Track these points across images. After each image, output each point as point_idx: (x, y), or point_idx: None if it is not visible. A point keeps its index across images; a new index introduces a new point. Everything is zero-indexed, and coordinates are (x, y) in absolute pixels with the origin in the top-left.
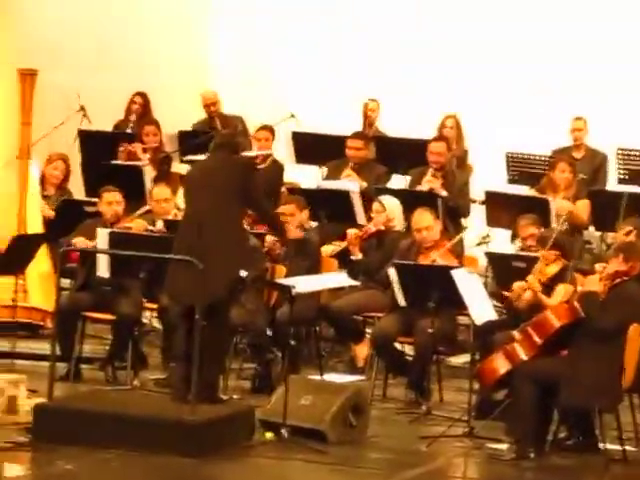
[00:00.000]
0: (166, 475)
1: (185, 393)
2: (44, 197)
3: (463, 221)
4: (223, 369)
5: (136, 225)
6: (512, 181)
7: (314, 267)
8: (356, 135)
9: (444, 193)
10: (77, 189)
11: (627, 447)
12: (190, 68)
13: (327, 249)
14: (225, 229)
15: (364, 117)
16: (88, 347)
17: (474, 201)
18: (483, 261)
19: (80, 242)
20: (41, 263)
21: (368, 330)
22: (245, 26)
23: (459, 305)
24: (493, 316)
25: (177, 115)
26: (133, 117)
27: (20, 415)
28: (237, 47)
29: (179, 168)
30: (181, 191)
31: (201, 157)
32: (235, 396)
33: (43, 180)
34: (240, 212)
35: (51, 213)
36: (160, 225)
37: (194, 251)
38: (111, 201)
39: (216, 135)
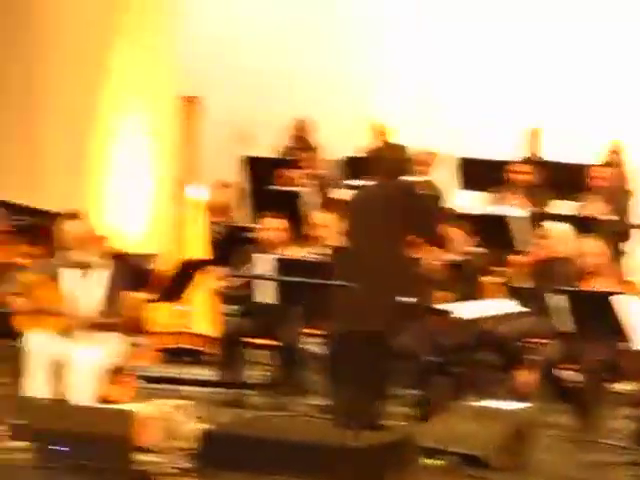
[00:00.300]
0: None
1: (347, 419)
2: (211, 223)
3: (622, 245)
4: (386, 395)
5: (296, 252)
6: None
7: (473, 292)
8: (524, 160)
9: (609, 218)
10: (242, 215)
11: None
12: (352, 93)
13: (491, 277)
14: (390, 256)
15: (529, 142)
16: (252, 373)
17: (636, 226)
18: None
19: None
20: (205, 289)
21: (527, 356)
22: (411, 49)
23: (620, 331)
24: None
25: (338, 141)
26: (294, 143)
27: (186, 441)
28: (402, 72)
29: (340, 194)
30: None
31: (362, 183)
32: (398, 423)
33: (211, 206)
34: (404, 238)
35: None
36: (321, 251)
37: (358, 277)
38: (269, 228)
39: (379, 161)
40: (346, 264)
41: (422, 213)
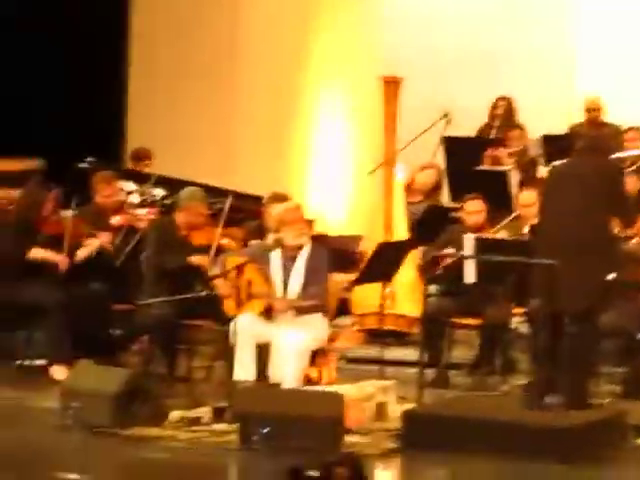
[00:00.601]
0: None
1: (541, 397)
2: (410, 204)
3: None
4: (593, 373)
5: (499, 233)
6: None
7: None
8: None
9: None
10: (443, 196)
11: None
12: (556, 70)
13: None
14: (595, 232)
15: None
16: (456, 353)
17: None
18: None
19: (445, 249)
20: (408, 269)
21: None
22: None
23: None
24: None
25: (541, 119)
26: (497, 122)
27: (389, 421)
28: (604, 46)
29: (545, 172)
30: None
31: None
32: (606, 401)
33: (410, 186)
34: (608, 216)
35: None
36: (526, 230)
37: (563, 254)
38: (471, 211)
39: (583, 138)
40: (547, 241)
41: (622, 195)
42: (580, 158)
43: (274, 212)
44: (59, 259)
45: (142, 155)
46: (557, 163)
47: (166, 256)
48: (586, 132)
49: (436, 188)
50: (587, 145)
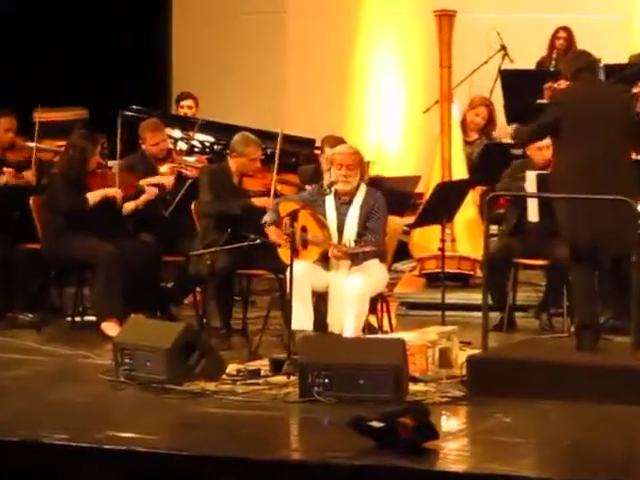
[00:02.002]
0: (609, 425)
1: (596, 338)
2: (466, 143)
3: None
4: None
5: None
6: None
7: None
8: None
9: None
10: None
11: None
12: (613, 1)
13: None
14: (624, 166)
15: None
16: (521, 295)
17: None
18: None
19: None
20: (468, 210)
21: None
22: None
23: None
24: None
25: (601, 48)
26: (555, 54)
27: (454, 368)
28: None
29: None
30: None
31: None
32: None
33: (464, 125)
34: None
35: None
36: None
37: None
38: (540, 146)
39: (578, 59)
40: (577, 179)
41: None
42: (586, 83)
43: (331, 154)
44: (114, 193)
45: (184, 97)
46: (563, 92)
47: (226, 203)
48: (576, 53)
49: (489, 124)
50: (587, 66)
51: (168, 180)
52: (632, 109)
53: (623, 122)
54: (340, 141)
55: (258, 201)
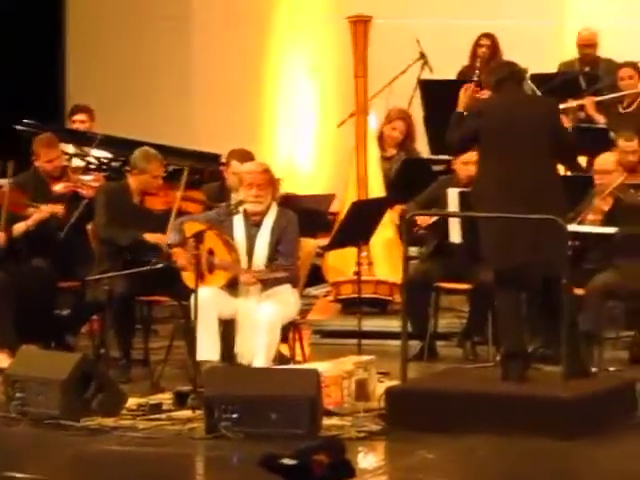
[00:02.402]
0: (538, 460)
1: (524, 367)
2: (384, 159)
3: None
4: (596, 339)
5: None
6: None
7: None
8: None
9: None
10: (420, 144)
11: None
12: (542, 5)
13: None
14: (547, 179)
15: None
16: (443, 321)
17: None
18: None
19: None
20: (385, 230)
21: None
22: None
23: None
24: None
25: (528, 57)
26: (479, 63)
27: (372, 401)
28: None
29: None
30: None
31: None
32: (611, 368)
33: (382, 139)
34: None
35: None
36: None
37: (517, 207)
38: (467, 161)
39: (500, 69)
40: (496, 194)
41: (566, 133)
42: (509, 94)
43: (239, 171)
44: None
45: (76, 111)
46: (486, 102)
47: (118, 230)
48: (499, 63)
49: (408, 139)
50: (509, 76)
51: (59, 209)
52: (557, 121)
53: (548, 135)
54: (248, 156)
55: (150, 237)
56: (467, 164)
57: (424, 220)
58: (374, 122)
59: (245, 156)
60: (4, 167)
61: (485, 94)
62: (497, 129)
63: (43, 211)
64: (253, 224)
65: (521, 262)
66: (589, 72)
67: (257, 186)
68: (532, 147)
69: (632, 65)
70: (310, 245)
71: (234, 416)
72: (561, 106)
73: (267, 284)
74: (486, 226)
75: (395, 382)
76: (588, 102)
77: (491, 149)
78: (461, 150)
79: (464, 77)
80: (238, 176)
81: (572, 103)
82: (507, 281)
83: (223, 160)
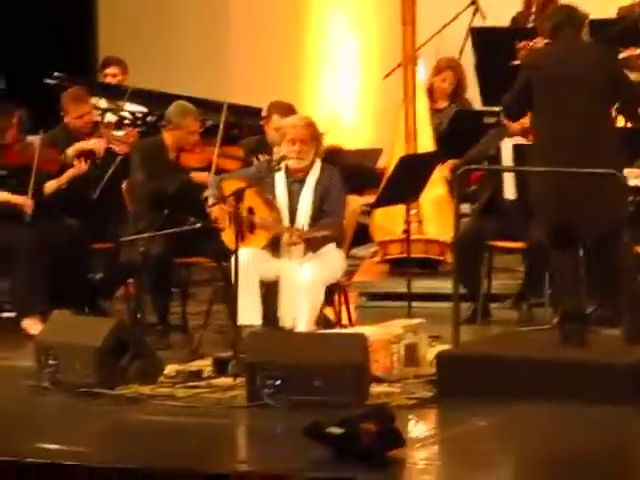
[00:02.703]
0: (596, 428)
1: (582, 331)
2: (434, 111)
3: None
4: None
5: None
6: None
7: None
8: None
9: None
10: (472, 95)
11: None
12: None
13: None
14: (604, 135)
15: None
16: (497, 282)
17: None
18: None
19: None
20: (436, 187)
21: None
22: None
23: None
24: None
25: (587, 2)
26: (534, 8)
27: (422, 366)
28: None
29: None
30: None
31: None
32: None
33: (431, 91)
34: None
35: None
36: None
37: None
38: None
39: (556, 14)
40: (552, 153)
41: (630, 86)
42: (565, 42)
43: (281, 126)
44: (22, 201)
45: (107, 64)
46: (536, 53)
47: (162, 180)
48: (557, 7)
49: (459, 90)
50: (567, 21)
51: (98, 146)
52: (618, 72)
53: (607, 86)
54: (290, 109)
55: (197, 176)
56: None
57: (476, 174)
58: (423, 73)
59: (287, 109)
60: (36, 123)
61: (539, 43)
62: (551, 80)
63: (78, 167)
64: (295, 181)
65: (571, 219)
66: None
67: (300, 141)
68: (589, 99)
69: None
70: (356, 203)
71: (277, 383)
72: (620, 55)
73: (311, 244)
74: (538, 182)
75: (447, 346)
76: None
77: (545, 102)
78: (518, 113)
79: (518, 24)
80: (280, 131)
81: (634, 51)
82: (560, 240)
83: (263, 114)
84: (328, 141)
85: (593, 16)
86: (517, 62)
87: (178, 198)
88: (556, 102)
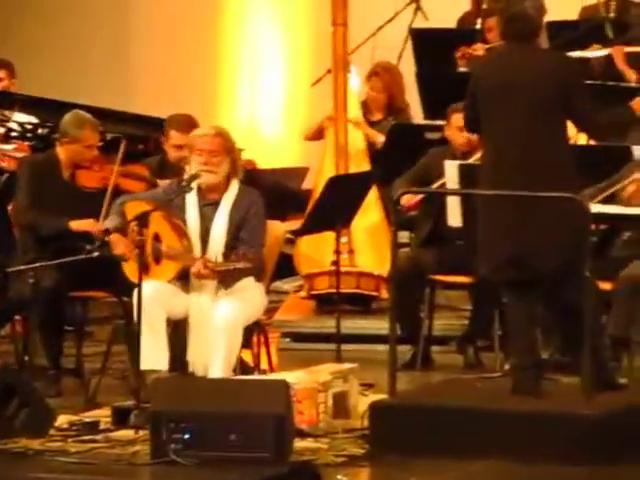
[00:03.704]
0: None
1: (536, 378)
2: (369, 123)
3: None
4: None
5: None
6: None
7: None
8: None
9: None
10: (413, 106)
11: None
12: None
13: None
14: (551, 158)
15: None
16: (440, 322)
17: None
18: None
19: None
20: (370, 212)
21: None
22: None
23: None
24: None
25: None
26: (485, 5)
27: (353, 418)
28: None
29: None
30: None
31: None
32: None
33: (365, 102)
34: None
35: (379, 139)
36: None
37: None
38: (461, 126)
39: (504, 15)
40: (491, 177)
41: (585, 101)
42: (511, 50)
43: (191, 138)
44: None
45: None
46: (479, 61)
47: (41, 216)
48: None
49: (394, 100)
50: (514, 25)
51: None
52: (570, 82)
53: (555, 99)
54: (189, 122)
55: (77, 225)
56: (463, 129)
57: (410, 199)
58: (356, 80)
59: (186, 123)
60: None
61: (479, 49)
62: (492, 91)
63: None
64: (209, 204)
65: (525, 252)
66: (616, 18)
67: (209, 152)
68: (530, 112)
69: None
70: (278, 229)
71: (186, 437)
72: (587, 54)
73: (226, 277)
74: (481, 209)
75: (381, 396)
76: (617, 52)
77: (487, 116)
78: (477, 126)
79: (465, 25)
80: (188, 145)
81: (598, 51)
82: (511, 276)
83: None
84: (246, 158)
85: (554, 18)
86: (463, 69)
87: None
88: (497, 116)
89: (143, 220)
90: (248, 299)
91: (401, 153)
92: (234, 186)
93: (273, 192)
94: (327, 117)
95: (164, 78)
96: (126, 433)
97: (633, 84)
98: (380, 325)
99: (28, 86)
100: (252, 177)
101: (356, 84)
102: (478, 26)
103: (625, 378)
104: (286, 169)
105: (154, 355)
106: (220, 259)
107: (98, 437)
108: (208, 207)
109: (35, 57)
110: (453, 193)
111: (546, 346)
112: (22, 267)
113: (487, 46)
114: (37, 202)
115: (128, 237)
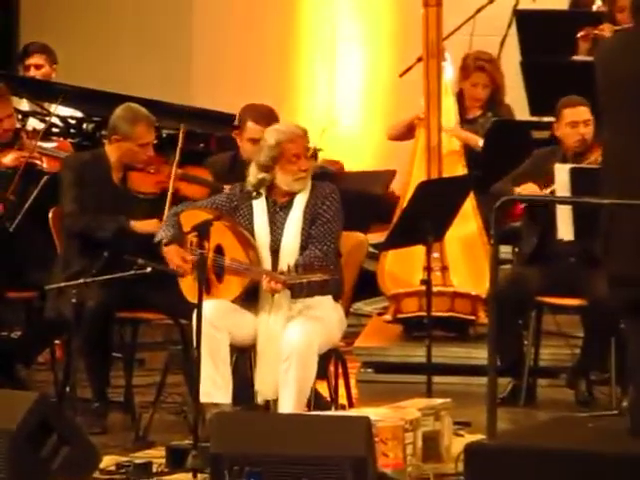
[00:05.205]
0: None
1: None
2: (465, 121)
3: None
4: None
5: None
6: None
7: None
8: None
9: None
10: (515, 100)
11: None
12: None
13: None
14: None
15: None
16: (547, 351)
17: None
18: None
19: (528, 188)
20: (466, 223)
21: None
22: None
23: None
24: None
25: None
26: None
27: (445, 462)
28: None
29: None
30: None
31: None
32: None
33: (461, 97)
34: None
35: (480, 144)
36: None
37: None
38: (576, 121)
39: None
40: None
41: None
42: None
43: (253, 136)
44: None
45: (31, 52)
46: (602, 46)
47: (94, 218)
48: None
49: (496, 95)
50: None
51: (19, 162)
52: None
53: None
54: (270, 115)
55: (141, 225)
56: (576, 125)
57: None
58: (451, 70)
59: (266, 114)
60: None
61: (606, 31)
62: (620, 81)
63: None
64: (279, 208)
65: None
66: None
67: (305, 155)
68: None
69: None
70: (360, 241)
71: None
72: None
73: (299, 293)
74: (609, 221)
75: (479, 436)
76: None
77: (611, 111)
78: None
79: (580, 6)
80: (276, 147)
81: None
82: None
83: (236, 122)
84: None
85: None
86: (578, 57)
87: (112, 245)
88: (625, 110)
89: (203, 231)
90: (324, 322)
91: (503, 154)
92: (308, 187)
93: (354, 199)
94: (417, 116)
95: (226, 69)
96: (183, 477)
97: None
98: (477, 354)
99: (70, 75)
100: (335, 181)
101: (450, 74)
102: (595, 7)
103: None
104: (373, 172)
105: (215, 386)
106: (293, 270)
107: None
108: (278, 213)
109: (79, 42)
110: (565, 202)
111: None
112: (63, 284)
113: (616, 28)
114: (85, 208)
115: (186, 250)
